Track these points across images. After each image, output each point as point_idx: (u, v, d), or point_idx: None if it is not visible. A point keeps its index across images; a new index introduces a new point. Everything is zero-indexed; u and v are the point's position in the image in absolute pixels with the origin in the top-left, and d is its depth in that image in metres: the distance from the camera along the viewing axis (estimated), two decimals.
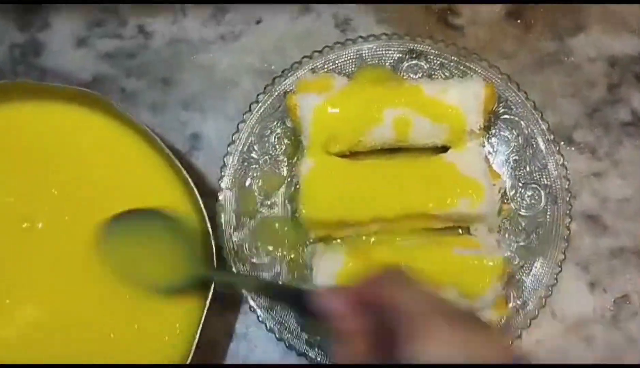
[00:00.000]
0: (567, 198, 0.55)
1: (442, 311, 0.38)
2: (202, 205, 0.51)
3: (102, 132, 0.55)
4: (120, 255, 0.51)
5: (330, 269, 0.51)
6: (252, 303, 0.54)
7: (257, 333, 0.56)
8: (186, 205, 0.53)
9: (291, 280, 0.55)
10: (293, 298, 0.46)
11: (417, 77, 0.58)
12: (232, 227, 0.56)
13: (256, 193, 0.57)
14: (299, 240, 0.56)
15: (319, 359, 0.53)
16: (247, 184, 0.57)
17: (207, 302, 0.50)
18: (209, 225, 0.51)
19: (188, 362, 0.49)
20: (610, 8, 0.61)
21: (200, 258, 0.51)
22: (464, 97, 0.53)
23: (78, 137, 0.55)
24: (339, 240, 0.54)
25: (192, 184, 0.51)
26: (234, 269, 0.55)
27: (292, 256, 0.56)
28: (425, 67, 0.58)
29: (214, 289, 0.50)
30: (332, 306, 0.41)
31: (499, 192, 0.55)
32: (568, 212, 0.55)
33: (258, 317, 0.54)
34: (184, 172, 0.51)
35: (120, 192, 0.54)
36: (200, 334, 0.50)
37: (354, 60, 0.58)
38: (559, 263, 0.54)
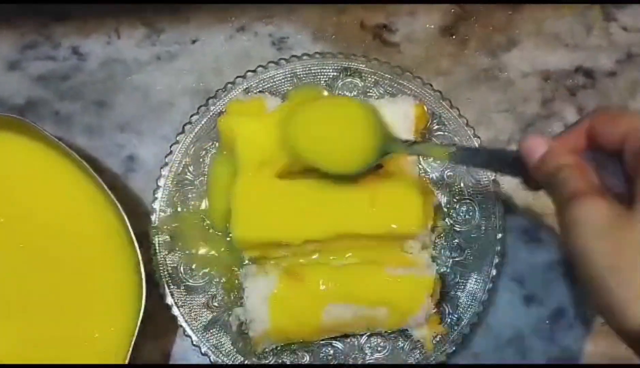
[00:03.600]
0: (501, 214, 0.55)
1: None
2: (130, 230, 0.51)
3: (33, 158, 0.54)
4: (308, 134, 0.51)
5: (262, 290, 0.51)
6: (185, 327, 0.53)
7: (194, 356, 0.55)
8: (117, 230, 0.53)
9: (227, 303, 0.55)
10: (503, 162, 0.44)
11: (352, 95, 0.58)
12: (167, 249, 0.55)
13: (192, 215, 0.56)
14: (234, 262, 0.55)
15: None
16: (182, 205, 0.56)
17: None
18: (137, 249, 0.51)
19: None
20: (542, 23, 0.62)
21: (386, 133, 0.49)
22: (394, 116, 0.53)
23: (10, 164, 0.54)
24: (272, 262, 0.54)
25: (119, 207, 0.51)
26: (167, 291, 0.54)
27: (228, 277, 0.55)
28: (360, 84, 0.58)
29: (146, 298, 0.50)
30: (531, 146, 0.40)
31: (432, 208, 0.55)
32: (501, 227, 0.55)
33: (192, 341, 0.53)
34: (112, 196, 0.51)
35: (53, 216, 0.54)
36: (136, 357, 0.50)
37: (289, 79, 0.58)
38: (492, 279, 0.54)
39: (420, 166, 0.56)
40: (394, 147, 0.50)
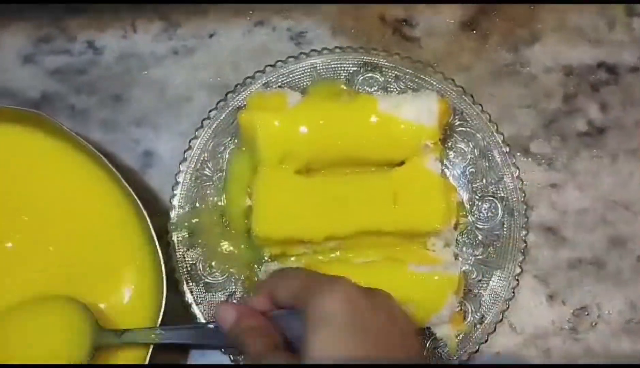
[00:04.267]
0: (523, 211, 0.54)
1: None
2: (150, 225, 0.50)
3: (51, 153, 0.53)
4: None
5: None
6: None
7: (212, 353, 0.54)
8: (137, 226, 0.52)
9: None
10: (205, 336, 0.48)
11: (372, 90, 0.57)
12: (186, 246, 0.54)
13: (210, 211, 0.55)
14: (253, 259, 0.54)
15: None
16: (201, 201, 0.55)
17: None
18: (158, 246, 0.50)
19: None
20: (565, 18, 0.61)
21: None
22: (418, 112, 0.52)
23: (28, 159, 0.53)
24: (293, 259, 0.53)
25: (139, 204, 0.50)
26: (186, 288, 0.53)
27: (248, 275, 0.54)
28: (381, 80, 0.57)
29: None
30: (223, 315, 0.44)
31: (455, 205, 0.54)
32: (524, 224, 0.54)
33: None
34: (131, 192, 0.50)
35: (72, 213, 0.53)
36: (155, 354, 0.49)
37: (308, 73, 0.57)
38: (516, 277, 0.53)
39: (442, 162, 0.56)
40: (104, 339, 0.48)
